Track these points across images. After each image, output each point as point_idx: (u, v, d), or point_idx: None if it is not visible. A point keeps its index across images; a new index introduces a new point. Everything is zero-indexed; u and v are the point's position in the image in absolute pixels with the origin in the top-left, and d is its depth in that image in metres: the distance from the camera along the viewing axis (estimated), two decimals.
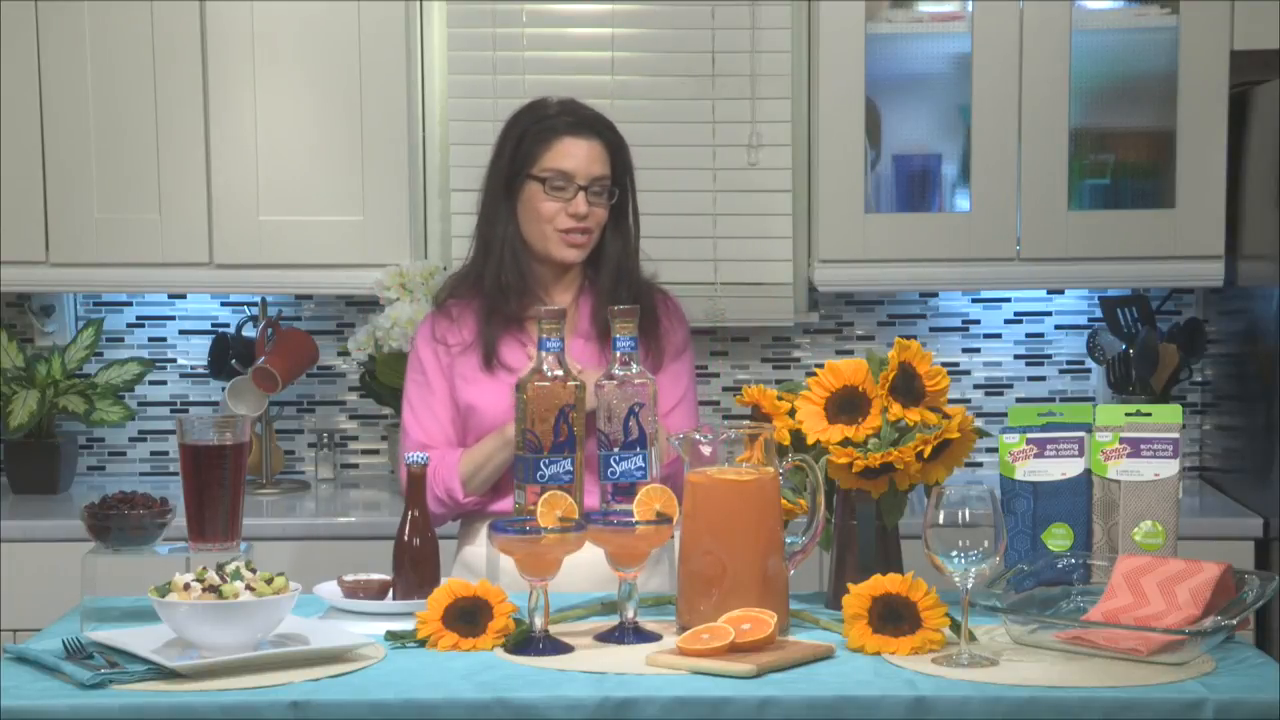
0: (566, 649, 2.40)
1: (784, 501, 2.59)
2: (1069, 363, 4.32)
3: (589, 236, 3.13)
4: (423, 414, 3.14)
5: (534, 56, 4.15)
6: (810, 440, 2.60)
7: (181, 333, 4.32)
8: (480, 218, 3.21)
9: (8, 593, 3.74)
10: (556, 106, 3.17)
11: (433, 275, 3.97)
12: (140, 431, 4.34)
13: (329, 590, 2.70)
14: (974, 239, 3.94)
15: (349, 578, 2.70)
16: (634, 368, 2.67)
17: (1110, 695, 2.20)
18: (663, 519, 2.46)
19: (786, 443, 2.63)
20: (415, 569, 2.64)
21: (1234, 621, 2.37)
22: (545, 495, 2.45)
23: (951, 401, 2.73)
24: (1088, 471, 2.67)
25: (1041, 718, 2.19)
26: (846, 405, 2.61)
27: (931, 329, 4.32)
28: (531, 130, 3.14)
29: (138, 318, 4.33)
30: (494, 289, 3.14)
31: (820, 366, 2.65)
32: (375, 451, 4.34)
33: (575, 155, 3.11)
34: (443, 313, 3.20)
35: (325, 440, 4.27)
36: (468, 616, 2.44)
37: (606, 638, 2.46)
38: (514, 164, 3.15)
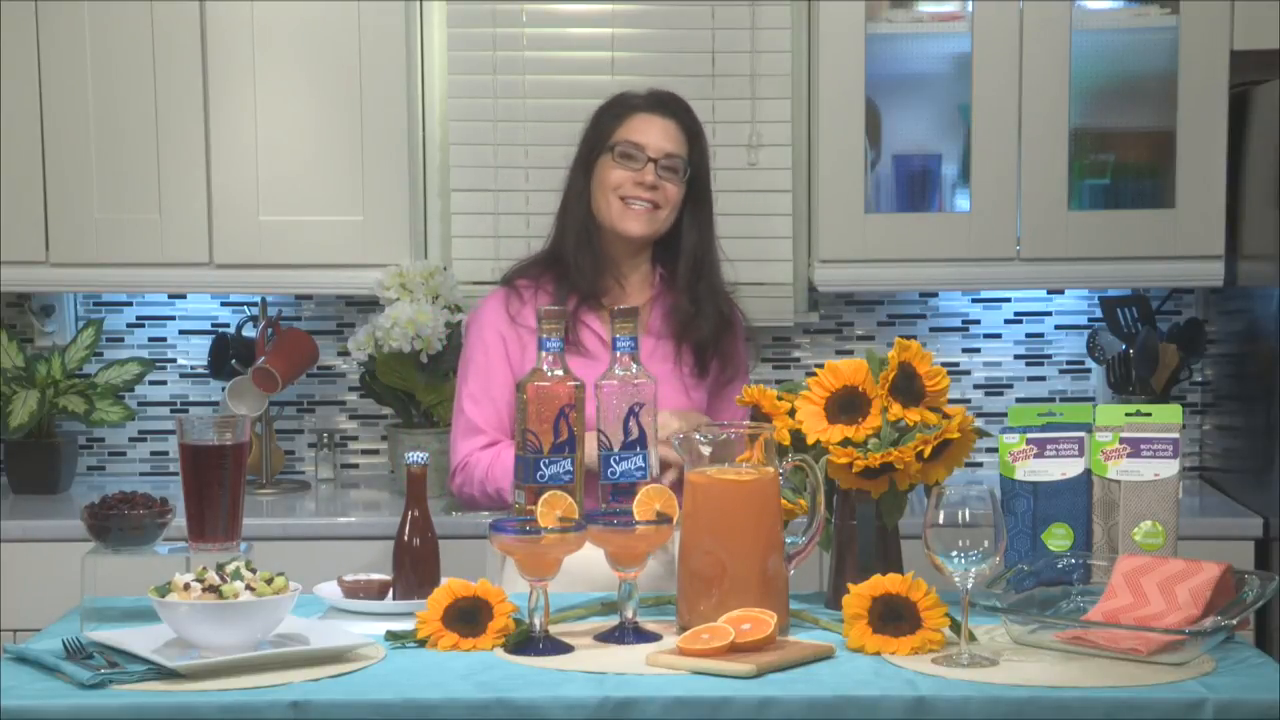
0: (566, 649, 2.40)
1: (784, 501, 2.59)
2: (1069, 363, 4.31)
3: (656, 211, 3.12)
4: (481, 399, 3.10)
5: (534, 56, 4.15)
6: (810, 440, 2.60)
7: (181, 333, 4.32)
8: (560, 205, 3.21)
9: (8, 593, 3.74)
10: (638, 92, 3.21)
11: (433, 275, 3.97)
12: (140, 431, 4.34)
13: (329, 590, 2.70)
14: (974, 239, 3.94)
15: (349, 578, 2.70)
16: (634, 368, 2.67)
17: (1110, 695, 2.20)
18: (663, 519, 2.46)
19: (786, 443, 2.63)
20: (415, 569, 2.64)
21: (1234, 621, 2.37)
22: (545, 495, 2.44)
23: (951, 401, 2.73)
24: (1088, 471, 2.67)
25: (1041, 718, 2.19)
26: (846, 405, 2.61)
27: (931, 329, 4.31)
28: (609, 110, 3.18)
29: (138, 318, 4.33)
30: (574, 270, 3.12)
31: (820, 366, 2.65)
32: (375, 451, 4.34)
33: (648, 130, 3.14)
34: (514, 292, 3.16)
35: (325, 440, 4.27)
36: (468, 616, 2.44)
37: (606, 638, 2.46)
38: (590, 143, 3.17)
